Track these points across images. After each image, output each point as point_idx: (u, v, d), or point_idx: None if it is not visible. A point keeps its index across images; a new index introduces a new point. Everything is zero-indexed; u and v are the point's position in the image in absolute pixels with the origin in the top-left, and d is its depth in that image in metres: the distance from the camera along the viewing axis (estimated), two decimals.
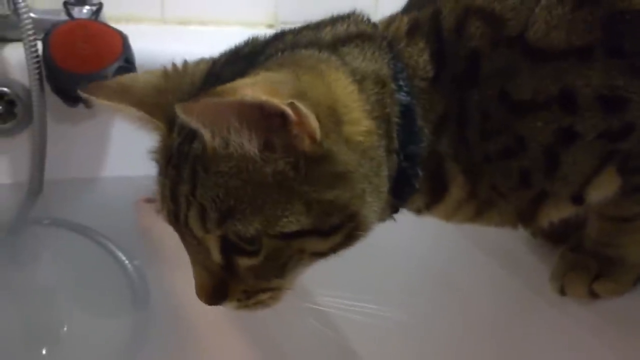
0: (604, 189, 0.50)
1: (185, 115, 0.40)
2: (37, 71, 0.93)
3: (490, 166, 0.49)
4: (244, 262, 0.47)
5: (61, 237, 0.95)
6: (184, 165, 0.45)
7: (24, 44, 0.91)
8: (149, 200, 0.93)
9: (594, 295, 0.59)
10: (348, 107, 0.45)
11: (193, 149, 0.45)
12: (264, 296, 0.49)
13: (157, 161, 0.50)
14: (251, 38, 0.52)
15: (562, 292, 0.60)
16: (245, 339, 0.73)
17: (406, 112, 0.47)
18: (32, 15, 0.91)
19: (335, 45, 0.48)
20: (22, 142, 1.02)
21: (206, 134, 0.42)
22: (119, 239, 0.91)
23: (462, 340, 0.65)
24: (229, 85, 0.40)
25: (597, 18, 0.44)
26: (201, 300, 0.49)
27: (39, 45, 0.93)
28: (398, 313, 0.70)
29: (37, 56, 0.92)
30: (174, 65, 0.52)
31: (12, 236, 0.95)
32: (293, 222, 0.44)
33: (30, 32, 0.91)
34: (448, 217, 0.54)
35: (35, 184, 0.99)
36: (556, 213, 0.52)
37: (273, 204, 0.44)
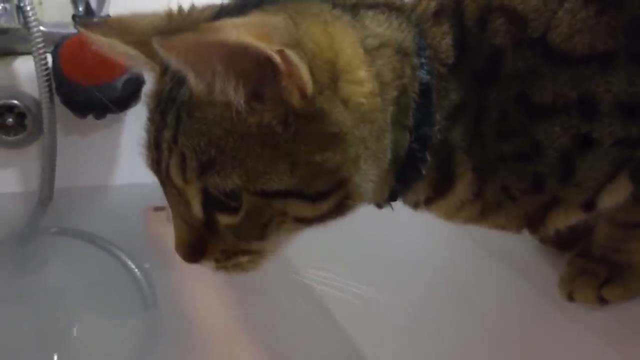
0: (616, 195, 0.49)
1: (163, 51, 0.37)
2: (47, 83, 0.94)
3: (504, 166, 0.48)
4: (224, 219, 0.45)
5: (71, 244, 0.96)
6: (170, 110, 0.44)
7: (34, 57, 0.92)
8: (157, 209, 0.93)
9: (602, 300, 0.58)
10: (351, 64, 0.42)
11: (181, 94, 0.43)
12: (242, 259, 0.47)
13: (148, 105, 0.48)
14: None
15: (571, 297, 0.60)
16: (254, 343, 0.74)
17: (425, 91, 0.46)
18: (41, 28, 0.93)
19: (357, 8, 0.46)
20: (32, 153, 1.04)
21: (190, 77, 0.40)
22: (127, 246, 0.91)
23: (470, 345, 0.65)
24: (215, 23, 0.37)
25: (621, 23, 0.43)
26: (179, 255, 0.47)
27: (49, 58, 0.94)
28: (407, 317, 0.70)
29: (47, 69, 0.94)
30: (179, 8, 0.50)
31: (24, 244, 0.96)
32: (275, 180, 0.42)
33: (40, 45, 0.92)
34: (449, 215, 0.52)
35: (46, 193, 1.00)
36: (565, 219, 0.51)
37: (255, 159, 0.41)
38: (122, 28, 0.48)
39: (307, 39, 0.40)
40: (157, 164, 0.46)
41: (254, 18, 0.40)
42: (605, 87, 0.44)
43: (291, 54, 0.38)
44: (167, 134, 0.44)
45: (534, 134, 0.46)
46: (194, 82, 0.40)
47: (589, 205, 0.50)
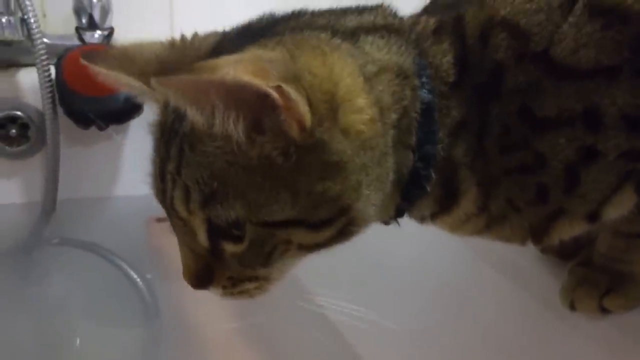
0: (620, 207, 0.49)
1: (161, 91, 0.38)
2: (50, 95, 0.94)
3: (508, 179, 0.48)
4: (229, 247, 0.46)
5: (73, 255, 0.97)
6: (173, 142, 0.44)
7: (37, 69, 0.93)
8: (160, 220, 0.94)
9: (604, 310, 0.59)
10: (351, 93, 0.42)
11: (183, 127, 0.43)
12: (249, 285, 0.48)
13: (153, 135, 0.48)
14: (268, 14, 0.50)
15: (572, 307, 0.60)
16: (256, 353, 0.74)
17: (427, 110, 0.46)
18: (45, 40, 0.93)
19: (357, 34, 0.46)
20: (35, 164, 1.04)
21: (190, 112, 0.40)
22: (130, 256, 0.92)
23: (472, 355, 0.65)
24: (211, 62, 0.38)
25: (626, 38, 0.43)
26: (187, 282, 0.48)
27: (52, 69, 0.95)
28: (408, 328, 0.70)
29: (50, 80, 0.94)
30: (182, 36, 0.50)
31: (26, 254, 0.97)
32: (277, 211, 0.42)
33: (43, 57, 0.92)
34: (454, 229, 0.53)
35: (49, 204, 1.00)
36: (569, 230, 0.52)
37: (256, 190, 0.42)
38: (125, 59, 0.48)
39: (306, 71, 0.41)
40: (162, 194, 0.46)
41: (251, 54, 0.41)
42: (610, 100, 0.44)
43: (289, 89, 0.38)
44: (170, 166, 0.44)
45: (537, 147, 0.46)
46: (194, 117, 0.41)
47: (593, 217, 0.50)
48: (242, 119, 0.40)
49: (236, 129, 0.40)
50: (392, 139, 0.45)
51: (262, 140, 0.41)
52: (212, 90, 0.38)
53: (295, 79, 0.39)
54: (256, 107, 0.39)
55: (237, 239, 0.45)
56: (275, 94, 0.38)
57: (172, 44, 0.50)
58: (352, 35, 0.46)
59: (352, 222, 0.45)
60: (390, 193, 0.47)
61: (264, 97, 0.38)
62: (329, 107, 0.41)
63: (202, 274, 0.48)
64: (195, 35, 0.50)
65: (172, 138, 0.45)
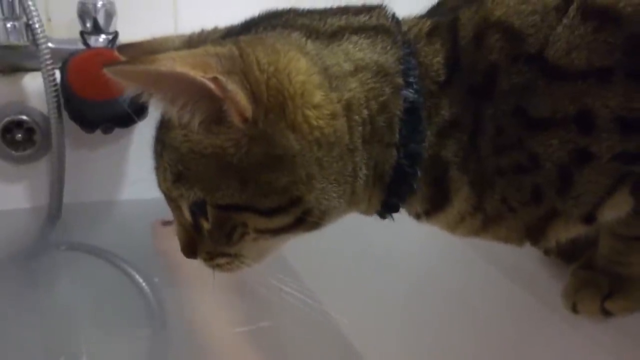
0: (616, 209, 0.49)
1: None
2: (55, 99, 0.95)
3: (502, 179, 0.48)
4: (204, 224, 0.49)
5: (80, 260, 0.97)
6: (162, 125, 0.48)
7: (43, 73, 0.94)
8: (165, 223, 0.94)
9: (606, 312, 0.59)
10: (304, 90, 0.44)
11: None
12: (221, 260, 0.51)
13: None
14: (266, 10, 0.52)
15: (575, 309, 0.60)
16: (263, 357, 0.74)
17: (412, 109, 0.47)
18: (50, 45, 0.94)
19: (340, 33, 0.48)
20: (41, 168, 1.05)
21: (150, 100, 0.44)
22: (136, 260, 0.92)
23: (473, 356, 0.65)
24: (158, 55, 0.41)
25: (619, 40, 0.43)
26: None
27: (57, 74, 0.95)
28: (412, 330, 0.70)
29: (55, 85, 0.95)
30: (202, 30, 0.54)
31: (33, 259, 0.97)
32: (227, 196, 0.45)
33: (48, 62, 0.93)
34: (451, 228, 0.53)
35: (54, 209, 1.01)
36: (565, 231, 0.52)
37: (210, 176, 0.45)
38: (149, 53, 0.50)
39: (254, 67, 0.43)
40: (156, 172, 0.50)
41: (200, 49, 0.44)
42: (603, 102, 0.44)
43: (225, 81, 0.41)
44: (158, 147, 0.49)
45: (531, 147, 0.46)
46: (155, 105, 0.44)
47: (589, 218, 0.50)
48: (198, 110, 0.43)
49: (192, 119, 0.44)
50: (362, 135, 0.47)
51: (217, 131, 0.44)
52: (157, 81, 0.41)
53: (239, 73, 0.42)
54: (211, 99, 0.42)
55: (207, 217, 0.48)
56: (210, 85, 0.40)
57: (190, 37, 0.53)
58: (333, 35, 0.48)
59: (309, 213, 0.46)
60: (363, 187, 0.48)
61: (208, 88, 0.40)
62: (275, 101, 0.44)
63: (189, 246, 0.52)
64: (216, 28, 0.53)
65: (162, 122, 0.48)
